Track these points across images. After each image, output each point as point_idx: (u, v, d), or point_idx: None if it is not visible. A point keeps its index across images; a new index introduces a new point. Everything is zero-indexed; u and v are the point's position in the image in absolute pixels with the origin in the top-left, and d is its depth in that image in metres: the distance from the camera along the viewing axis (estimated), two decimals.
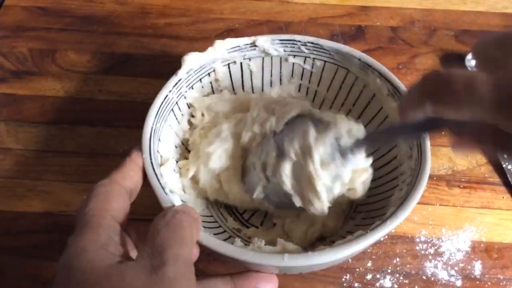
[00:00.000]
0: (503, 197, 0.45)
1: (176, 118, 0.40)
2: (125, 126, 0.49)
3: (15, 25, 0.57)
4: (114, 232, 0.28)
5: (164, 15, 0.59)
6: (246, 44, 0.42)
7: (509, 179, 0.45)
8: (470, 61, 0.53)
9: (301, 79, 0.44)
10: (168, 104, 0.39)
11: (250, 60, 0.43)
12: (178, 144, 0.41)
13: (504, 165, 0.46)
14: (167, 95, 0.39)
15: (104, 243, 0.27)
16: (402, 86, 0.39)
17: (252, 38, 0.42)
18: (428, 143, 0.35)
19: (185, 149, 0.41)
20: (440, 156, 0.47)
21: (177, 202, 0.33)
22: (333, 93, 0.44)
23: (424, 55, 0.55)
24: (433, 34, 0.57)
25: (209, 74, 0.42)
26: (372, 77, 0.40)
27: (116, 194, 0.30)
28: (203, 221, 0.37)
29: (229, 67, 0.43)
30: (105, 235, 0.27)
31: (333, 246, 0.31)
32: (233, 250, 0.30)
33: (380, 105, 0.41)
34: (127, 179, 0.32)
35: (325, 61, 0.42)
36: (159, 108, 0.38)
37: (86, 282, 0.25)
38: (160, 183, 0.33)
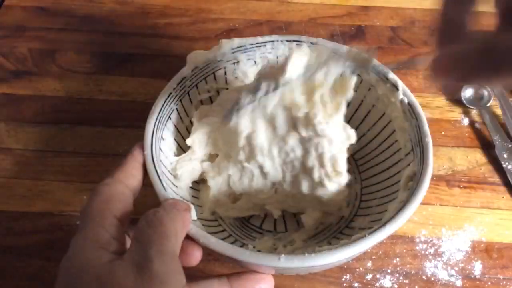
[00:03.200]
0: (503, 197, 0.45)
1: (180, 117, 0.40)
2: (125, 126, 0.49)
3: (15, 25, 0.57)
4: (116, 232, 0.28)
5: (164, 15, 0.59)
6: (252, 44, 0.42)
7: (509, 179, 0.45)
8: None
9: None
10: (172, 102, 0.39)
11: (255, 61, 0.43)
12: (181, 143, 0.41)
13: (504, 165, 0.46)
14: (170, 93, 0.38)
15: (105, 242, 0.27)
16: (403, 86, 0.39)
17: (258, 38, 0.42)
18: (430, 151, 0.35)
19: (187, 147, 0.41)
20: (440, 156, 0.47)
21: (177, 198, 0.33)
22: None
23: (424, 55, 0.55)
24: (433, 34, 0.57)
25: (214, 73, 0.42)
26: (373, 76, 0.40)
27: (120, 193, 0.30)
28: (203, 219, 0.37)
29: (234, 66, 0.43)
30: (106, 235, 0.27)
31: (330, 249, 0.31)
32: (230, 249, 0.30)
33: (383, 111, 0.41)
34: (130, 178, 0.32)
35: None
36: (163, 105, 0.38)
37: (79, 281, 0.25)
38: (161, 180, 0.33)
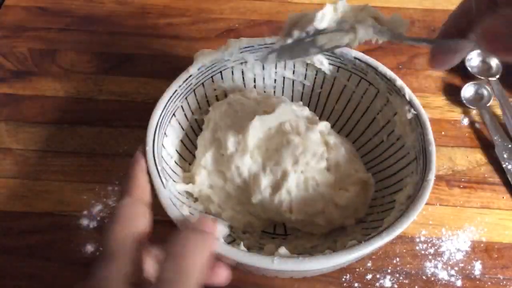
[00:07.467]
0: (503, 197, 0.45)
1: (185, 114, 0.40)
2: (125, 126, 0.49)
3: (15, 25, 0.57)
4: (139, 261, 0.28)
5: (164, 15, 0.59)
6: (260, 45, 0.41)
7: (509, 179, 0.45)
8: (470, 61, 0.53)
9: (314, 83, 0.44)
10: (177, 99, 0.39)
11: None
12: (184, 140, 0.41)
13: (504, 165, 0.46)
14: (176, 90, 0.38)
15: (127, 272, 0.27)
16: (409, 93, 0.38)
17: (266, 39, 0.41)
18: (433, 160, 0.35)
19: (191, 145, 0.41)
20: (440, 156, 0.47)
21: (176, 196, 0.33)
22: (345, 99, 0.43)
23: (424, 55, 0.55)
24: (433, 34, 0.57)
25: (221, 72, 0.42)
26: (381, 82, 0.40)
27: (141, 215, 0.30)
28: None
29: (241, 66, 0.43)
30: (129, 264, 0.27)
31: (325, 254, 0.31)
32: (225, 249, 0.30)
33: (388, 118, 0.41)
34: (145, 192, 0.32)
35: (338, 67, 0.42)
36: (167, 102, 0.38)
37: None
38: (160, 177, 0.33)
